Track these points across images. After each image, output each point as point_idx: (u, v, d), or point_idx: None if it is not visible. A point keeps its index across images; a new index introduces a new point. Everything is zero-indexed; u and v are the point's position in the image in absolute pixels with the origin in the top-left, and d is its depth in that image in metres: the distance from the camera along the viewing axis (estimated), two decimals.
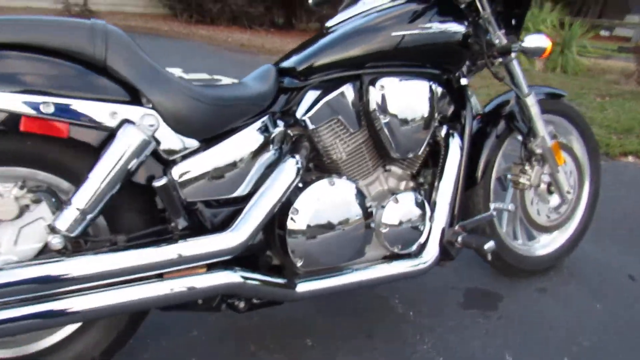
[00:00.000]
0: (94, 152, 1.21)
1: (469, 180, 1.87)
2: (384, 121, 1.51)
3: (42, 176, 1.22)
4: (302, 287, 1.44)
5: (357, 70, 1.52)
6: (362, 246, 1.52)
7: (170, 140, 1.27)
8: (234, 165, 1.35)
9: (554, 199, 2.10)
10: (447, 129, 1.70)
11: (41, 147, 1.19)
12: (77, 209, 1.16)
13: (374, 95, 1.51)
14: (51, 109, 1.13)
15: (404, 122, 1.54)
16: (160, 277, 1.24)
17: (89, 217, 1.17)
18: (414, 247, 1.64)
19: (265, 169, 1.41)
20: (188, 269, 1.26)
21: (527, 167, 1.94)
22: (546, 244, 2.18)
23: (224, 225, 1.34)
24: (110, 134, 1.20)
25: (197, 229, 1.33)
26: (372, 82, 1.51)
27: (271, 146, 1.42)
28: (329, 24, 1.64)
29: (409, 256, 1.64)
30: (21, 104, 1.10)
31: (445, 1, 1.66)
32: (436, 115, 1.62)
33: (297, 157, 1.42)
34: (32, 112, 1.11)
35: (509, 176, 2.01)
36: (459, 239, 1.62)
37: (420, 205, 1.62)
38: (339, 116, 1.49)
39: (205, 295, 1.31)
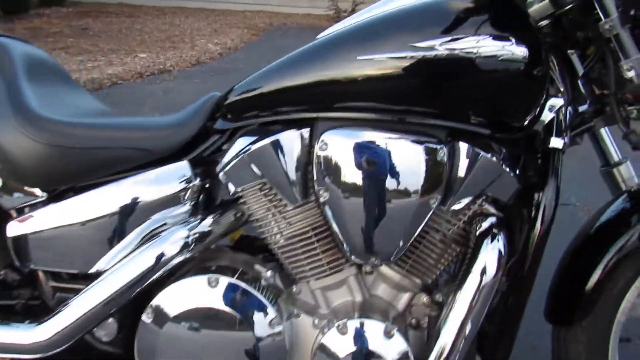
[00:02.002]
0: None
1: (562, 312, 1.08)
2: (323, 199, 0.93)
3: None
4: None
5: (311, 111, 0.97)
6: None
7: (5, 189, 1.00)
8: (92, 227, 0.99)
9: None
10: (492, 222, 0.97)
11: None
12: None
13: (318, 154, 0.94)
14: None
15: (360, 204, 0.93)
16: None
17: None
18: None
19: (147, 239, 1.01)
20: None
21: None
22: None
23: None
24: None
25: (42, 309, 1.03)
26: (322, 134, 0.95)
27: (174, 204, 1.01)
28: (320, 35, 1.09)
29: None
30: None
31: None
32: (434, 198, 0.93)
33: (189, 227, 0.99)
34: None
35: None
36: None
37: (395, 342, 0.97)
38: (264, 179, 0.98)
39: None
